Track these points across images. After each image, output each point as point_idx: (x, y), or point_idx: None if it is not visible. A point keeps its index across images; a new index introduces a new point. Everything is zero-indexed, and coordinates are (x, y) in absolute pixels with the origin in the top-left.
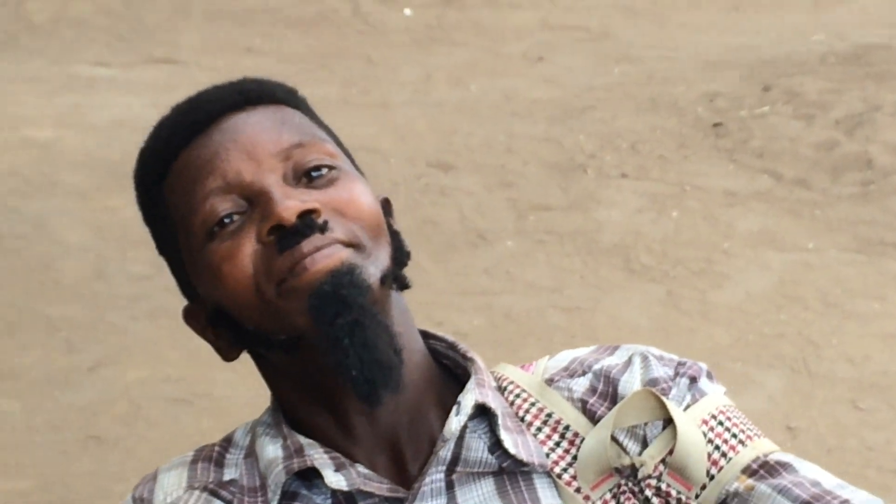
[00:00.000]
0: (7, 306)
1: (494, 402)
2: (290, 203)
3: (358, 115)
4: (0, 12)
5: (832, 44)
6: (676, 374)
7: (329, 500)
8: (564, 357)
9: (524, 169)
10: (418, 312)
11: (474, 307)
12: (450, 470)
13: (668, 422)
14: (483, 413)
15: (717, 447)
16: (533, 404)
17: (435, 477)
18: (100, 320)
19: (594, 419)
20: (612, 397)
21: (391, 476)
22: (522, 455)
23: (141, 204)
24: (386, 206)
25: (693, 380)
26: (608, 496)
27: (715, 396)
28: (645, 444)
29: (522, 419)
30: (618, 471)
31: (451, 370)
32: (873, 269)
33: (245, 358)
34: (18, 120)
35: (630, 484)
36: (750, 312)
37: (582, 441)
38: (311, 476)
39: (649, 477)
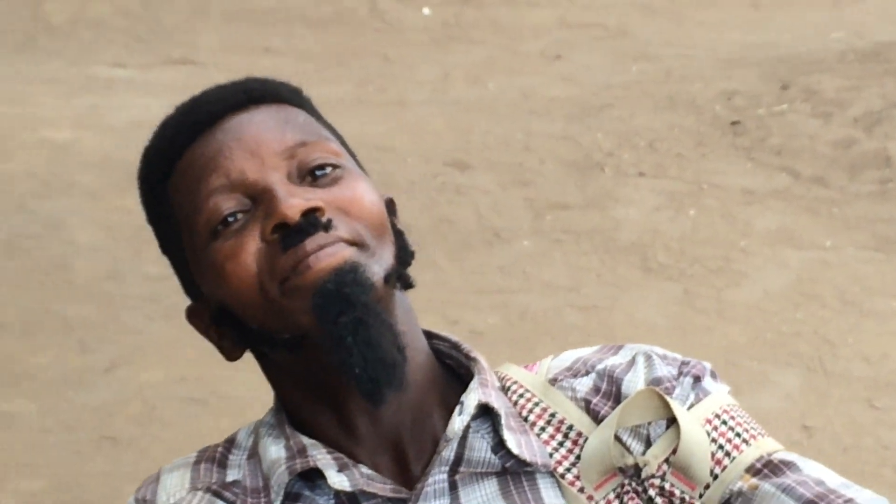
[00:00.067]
0: (22, 307)
1: (497, 402)
2: (294, 201)
3: (374, 113)
4: (19, 14)
5: (851, 41)
6: (680, 373)
7: (332, 501)
8: (568, 357)
9: (541, 167)
10: (434, 311)
11: (490, 306)
12: (453, 470)
13: (672, 421)
14: (486, 413)
15: (721, 446)
16: (536, 404)
17: (438, 477)
18: (114, 320)
19: (598, 419)
20: (616, 397)
21: (394, 476)
22: (525, 455)
23: (145, 203)
24: (390, 205)
25: (697, 379)
26: (612, 496)
27: (719, 396)
28: (648, 443)
29: (526, 419)
30: (621, 470)
31: (454, 370)
32: (891, 267)
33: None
34: (36, 121)
35: (633, 484)
36: (767, 311)
37: (585, 441)
38: (314, 477)
39: (653, 476)
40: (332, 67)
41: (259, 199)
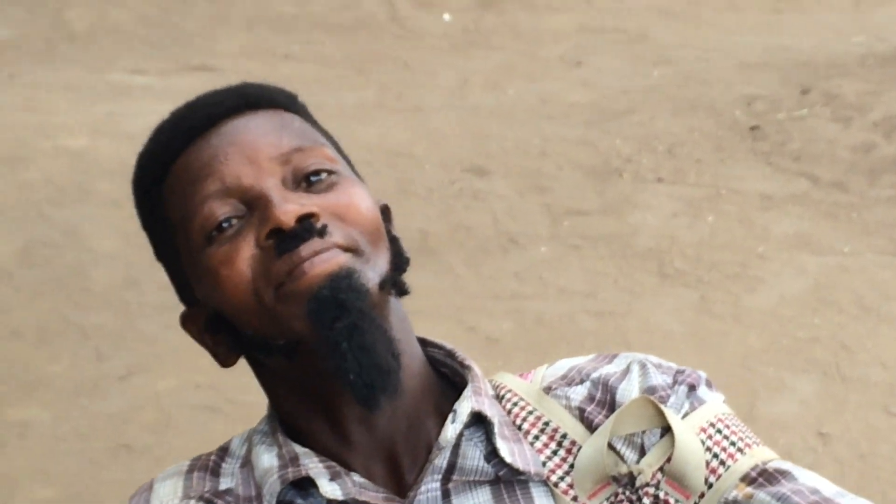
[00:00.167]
0: (38, 314)
1: (491, 410)
2: (289, 207)
3: (393, 120)
4: (39, 21)
5: (872, 45)
6: (675, 381)
7: None
8: (563, 365)
9: (559, 173)
10: (450, 317)
11: (506, 312)
12: (446, 478)
13: (667, 430)
14: (480, 421)
15: (716, 455)
16: (530, 412)
17: (431, 486)
18: (130, 328)
19: (592, 427)
20: (610, 405)
21: (388, 484)
22: (518, 464)
23: (139, 207)
24: (385, 211)
25: (692, 388)
26: None
27: (714, 404)
28: (643, 452)
29: (520, 427)
30: (615, 479)
31: (449, 378)
32: None
33: None
34: (54, 128)
35: (627, 492)
36: (784, 317)
37: (579, 449)
38: (306, 485)
39: (647, 485)
40: (352, 74)
41: (254, 204)
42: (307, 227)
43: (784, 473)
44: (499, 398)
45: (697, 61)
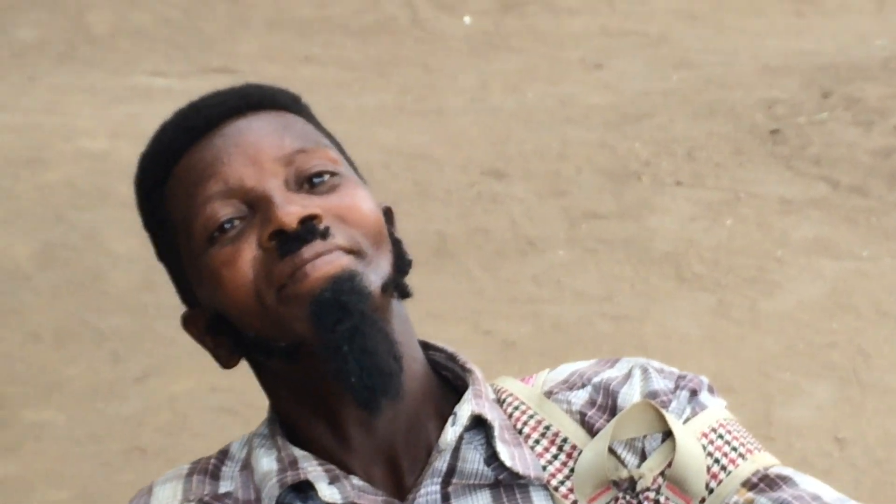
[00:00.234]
0: (56, 317)
1: (491, 414)
2: (292, 208)
3: (413, 122)
4: (61, 24)
5: (894, 49)
6: (677, 386)
7: None
8: (564, 370)
9: (578, 176)
10: (467, 320)
11: (522, 315)
12: (445, 482)
13: (668, 435)
14: (480, 424)
15: (717, 460)
16: (531, 416)
17: (430, 489)
18: (147, 331)
19: (593, 432)
20: (612, 410)
21: (387, 487)
22: (518, 467)
23: (141, 209)
24: (388, 214)
25: (693, 393)
26: None
27: (715, 410)
28: (644, 456)
29: (520, 431)
30: (616, 484)
31: (450, 382)
32: None
33: None
34: (74, 131)
35: (628, 497)
36: (801, 321)
37: (580, 454)
38: (305, 489)
39: (648, 490)
40: (373, 76)
41: (256, 205)
42: (310, 228)
43: (785, 479)
44: (500, 402)
45: (718, 65)
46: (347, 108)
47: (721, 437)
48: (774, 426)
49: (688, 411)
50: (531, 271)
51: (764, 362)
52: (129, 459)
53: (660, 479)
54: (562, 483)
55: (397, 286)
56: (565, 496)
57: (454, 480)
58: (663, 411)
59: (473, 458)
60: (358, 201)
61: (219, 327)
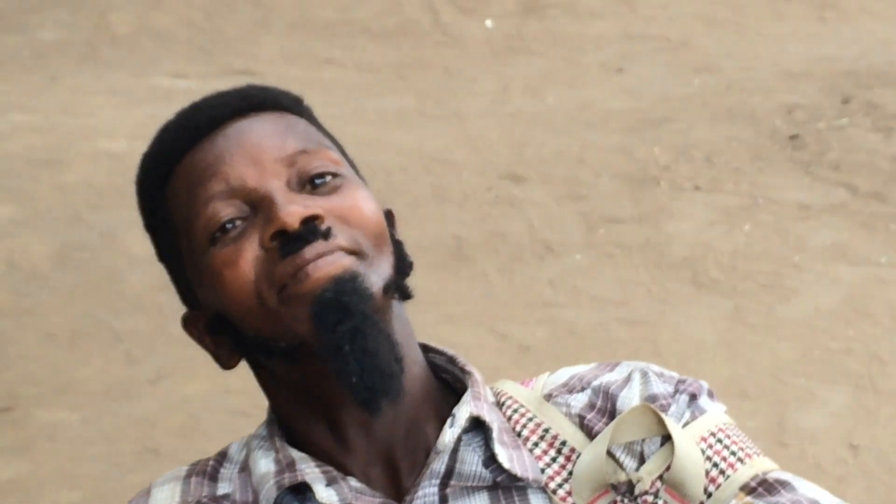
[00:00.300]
0: (72, 317)
1: (490, 416)
2: (294, 209)
3: (433, 126)
4: (83, 25)
5: None
6: (676, 390)
7: None
8: (564, 373)
9: (596, 181)
10: (483, 324)
11: (538, 320)
12: (444, 483)
13: (667, 438)
14: (479, 427)
15: (716, 464)
16: (530, 419)
17: (428, 490)
18: (162, 332)
19: (592, 435)
20: (611, 413)
21: (386, 489)
22: (517, 470)
23: (142, 209)
24: (389, 216)
25: (693, 397)
26: None
27: (715, 414)
28: (642, 460)
29: (519, 434)
30: (614, 487)
31: (450, 384)
32: None
33: None
34: (94, 132)
35: (626, 500)
36: (817, 327)
37: (579, 457)
38: (303, 490)
39: (646, 493)
40: (393, 79)
41: (258, 206)
42: (311, 229)
43: (784, 484)
44: (499, 405)
45: (739, 70)
46: (367, 111)
47: (720, 441)
48: (788, 432)
49: (687, 415)
50: (548, 275)
51: (779, 368)
52: (141, 460)
53: (658, 483)
54: (560, 486)
55: (398, 288)
56: (563, 499)
57: (452, 482)
58: (662, 415)
59: (472, 460)
60: (359, 202)
61: (219, 328)
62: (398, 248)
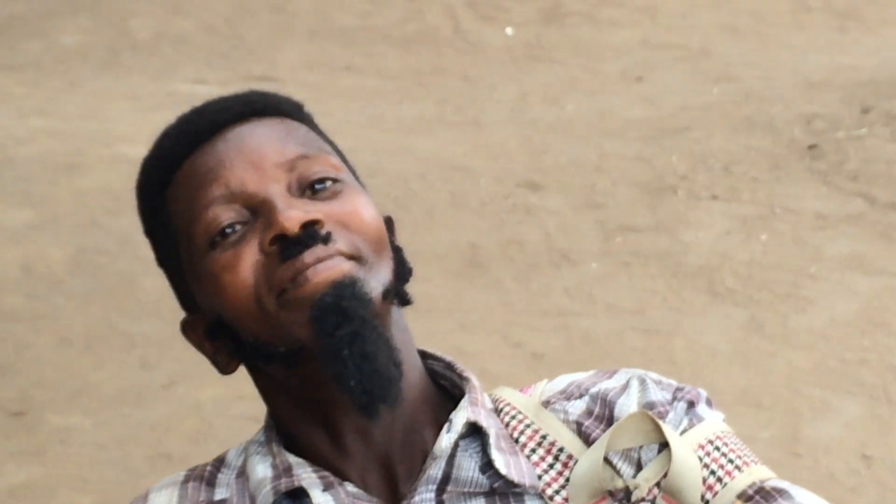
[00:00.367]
0: (86, 322)
1: (487, 422)
2: (293, 213)
3: (451, 133)
4: (104, 30)
5: None
6: (674, 398)
7: None
8: (562, 380)
9: (614, 189)
10: (497, 332)
11: (553, 328)
12: (440, 489)
13: (664, 446)
14: (476, 432)
15: (713, 472)
16: (528, 426)
17: (425, 496)
18: (176, 337)
19: (589, 441)
20: (609, 420)
21: (383, 494)
22: (514, 476)
23: (142, 213)
24: (389, 223)
25: (691, 404)
26: None
27: (713, 422)
28: (639, 466)
29: (517, 440)
30: (611, 494)
31: (448, 391)
32: None
33: None
34: (113, 137)
35: None
36: (832, 338)
37: (576, 463)
38: (300, 495)
39: (643, 500)
40: (412, 86)
41: (258, 210)
42: (311, 233)
43: (781, 492)
44: (497, 411)
45: (759, 79)
46: (386, 118)
47: (718, 448)
48: (802, 443)
49: (685, 422)
50: (563, 284)
51: (793, 378)
52: (153, 466)
53: (655, 490)
54: (557, 492)
55: (397, 293)
56: None
57: (449, 488)
58: (660, 422)
59: (469, 466)
60: (359, 208)
61: (218, 332)
62: (398, 254)
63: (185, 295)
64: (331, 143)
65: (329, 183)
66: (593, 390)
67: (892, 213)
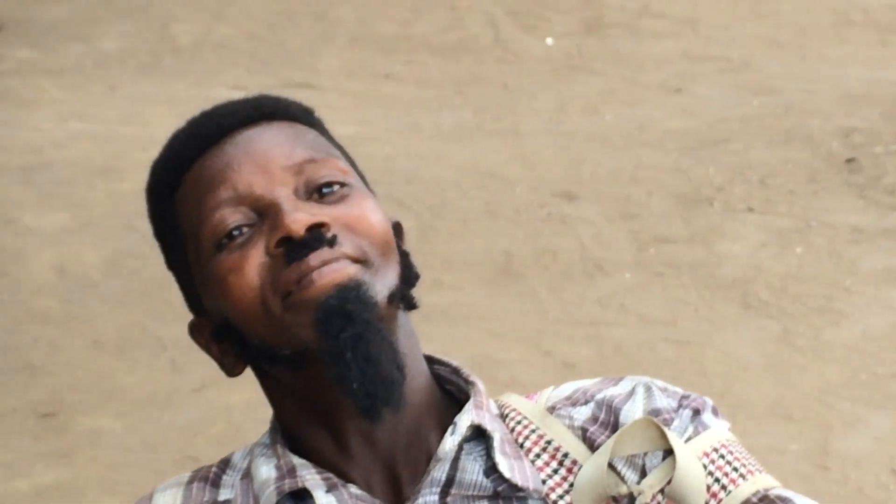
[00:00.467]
0: (119, 325)
1: (492, 426)
2: (300, 216)
3: (489, 142)
4: (145, 35)
5: None
6: (680, 405)
7: None
8: (568, 387)
9: (649, 200)
10: (529, 340)
11: (585, 338)
12: (444, 492)
13: (669, 452)
14: (480, 436)
15: (718, 480)
16: (533, 431)
17: (429, 498)
18: None
19: (594, 447)
20: (614, 426)
21: (387, 496)
22: (518, 480)
23: (152, 216)
24: (397, 228)
25: (696, 412)
26: None
27: (718, 430)
28: (644, 473)
29: (521, 445)
30: (615, 499)
31: (454, 396)
32: None
33: None
34: (151, 141)
35: None
36: (865, 351)
37: (580, 469)
38: (303, 496)
39: None
40: (451, 95)
41: (265, 212)
42: (317, 236)
43: (785, 501)
44: (503, 416)
45: (799, 92)
46: (425, 126)
47: (722, 456)
48: (831, 456)
49: (690, 430)
50: (596, 294)
51: (825, 392)
52: (181, 469)
53: (659, 497)
54: (561, 497)
55: (404, 298)
56: None
57: (453, 491)
58: (665, 429)
59: (473, 469)
60: (366, 212)
61: (225, 334)
62: (405, 258)
63: (193, 297)
64: (340, 148)
65: (336, 187)
66: (599, 397)
67: None
